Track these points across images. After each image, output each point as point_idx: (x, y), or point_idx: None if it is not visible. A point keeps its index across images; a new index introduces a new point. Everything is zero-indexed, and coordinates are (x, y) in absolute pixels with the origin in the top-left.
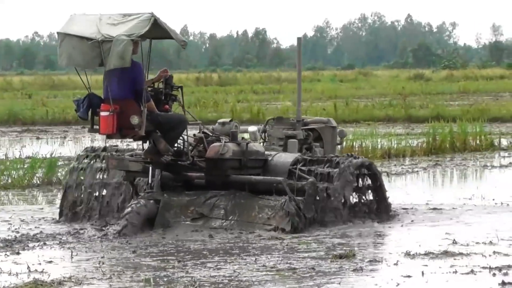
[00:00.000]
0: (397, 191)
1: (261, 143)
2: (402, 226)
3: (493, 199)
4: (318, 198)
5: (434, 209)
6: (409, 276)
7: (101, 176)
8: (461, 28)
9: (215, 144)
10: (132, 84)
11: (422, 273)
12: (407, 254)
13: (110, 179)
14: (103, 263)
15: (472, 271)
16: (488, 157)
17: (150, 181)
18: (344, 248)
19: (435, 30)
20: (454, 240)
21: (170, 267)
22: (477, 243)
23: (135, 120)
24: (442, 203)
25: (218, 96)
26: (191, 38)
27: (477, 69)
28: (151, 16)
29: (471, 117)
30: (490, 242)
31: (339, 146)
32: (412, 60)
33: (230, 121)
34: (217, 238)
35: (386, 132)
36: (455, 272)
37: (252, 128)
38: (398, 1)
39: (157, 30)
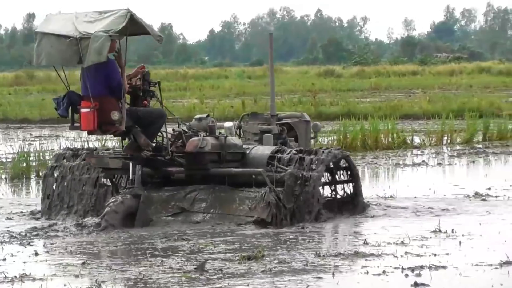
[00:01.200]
0: None
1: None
2: (308, 227)
3: (405, 198)
4: (296, 189)
5: None
6: (319, 278)
7: (79, 173)
8: (373, 23)
9: (194, 138)
10: (106, 80)
11: (333, 274)
12: (317, 255)
13: (88, 177)
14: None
15: (384, 272)
16: (400, 155)
17: (131, 177)
18: (253, 249)
19: (345, 25)
20: (365, 240)
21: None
22: (388, 243)
23: (115, 115)
24: None
25: None
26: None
27: (389, 65)
28: (127, 12)
29: (383, 114)
30: (402, 243)
31: (313, 140)
32: (322, 56)
33: (207, 116)
34: (121, 240)
35: None
36: (367, 273)
37: (228, 124)
38: None
39: (133, 26)
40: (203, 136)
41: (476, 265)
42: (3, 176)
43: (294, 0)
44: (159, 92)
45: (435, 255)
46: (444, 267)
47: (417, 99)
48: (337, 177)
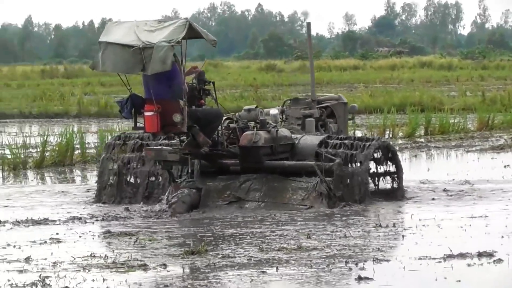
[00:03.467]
0: None
1: (281, 123)
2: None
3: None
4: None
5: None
6: (263, 272)
7: (133, 163)
8: (313, 18)
9: (247, 132)
10: (168, 84)
11: (277, 268)
12: (261, 249)
13: (142, 167)
14: None
15: (327, 266)
16: None
17: (190, 171)
18: (196, 244)
19: (286, 19)
20: (308, 234)
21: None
22: (332, 237)
23: (177, 117)
24: None
25: (65, 89)
26: (35, 29)
27: (330, 60)
28: (186, 21)
29: None
30: (345, 236)
31: (350, 121)
32: (263, 50)
33: (255, 107)
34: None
35: None
36: (311, 266)
37: (273, 111)
38: None
39: (190, 32)
40: (256, 130)
41: (420, 259)
42: None
43: None
44: (214, 91)
45: (378, 249)
46: (387, 260)
47: (358, 93)
48: (380, 166)
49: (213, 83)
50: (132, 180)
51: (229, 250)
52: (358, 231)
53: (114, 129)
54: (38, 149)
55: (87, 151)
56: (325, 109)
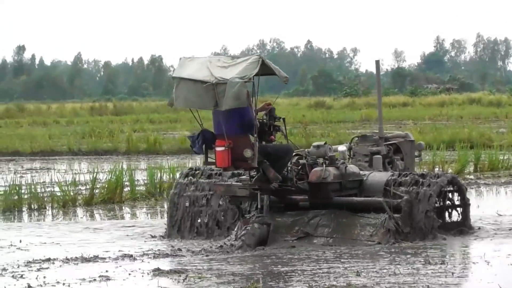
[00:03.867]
0: None
1: (348, 160)
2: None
3: None
4: (410, 213)
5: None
6: None
7: (203, 198)
8: (363, 54)
9: (316, 168)
10: (240, 119)
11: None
12: (310, 287)
13: (212, 201)
14: None
15: None
16: None
17: (259, 206)
18: (245, 282)
19: (336, 56)
20: (357, 272)
21: None
22: (381, 275)
23: (248, 153)
24: None
25: (114, 126)
26: (85, 66)
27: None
28: (259, 58)
29: None
30: (394, 273)
31: (417, 159)
32: (312, 87)
33: (324, 144)
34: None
35: None
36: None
37: (342, 148)
38: (297, 27)
39: (263, 68)
40: (325, 166)
41: None
42: None
43: (284, 32)
44: (284, 127)
45: (428, 287)
46: None
47: (407, 130)
48: (447, 200)
49: (284, 119)
50: (200, 216)
51: (279, 286)
52: (407, 268)
53: (163, 166)
54: (88, 186)
55: (137, 188)
56: (392, 146)
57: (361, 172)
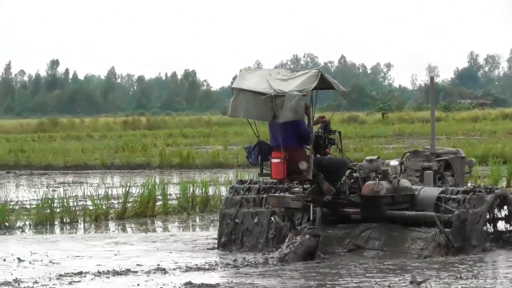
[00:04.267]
0: None
1: (400, 175)
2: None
3: None
4: (461, 228)
5: None
6: None
7: (252, 215)
8: (396, 69)
9: (369, 182)
10: (296, 131)
11: None
12: None
13: (263, 213)
14: None
15: None
16: None
17: (311, 218)
18: None
19: (369, 71)
20: (389, 286)
21: None
22: None
23: (303, 165)
24: None
25: (147, 140)
26: (118, 80)
27: (413, 111)
28: (318, 72)
29: None
30: None
31: (468, 175)
32: (346, 102)
33: (377, 158)
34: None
35: None
36: None
37: (394, 163)
38: (331, 41)
39: (321, 82)
40: (378, 180)
41: None
42: (27, 223)
43: (318, 47)
44: (339, 141)
45: None
46: None
47: (440, 145)
48: (497, 213)
49: (339, 132)
50: (249, 230)
51: None
52: (439, 283)
53: (196, 181)
54: (120, 200)
55: (169, 202)
56: (442, 162)
57: (413, 186)
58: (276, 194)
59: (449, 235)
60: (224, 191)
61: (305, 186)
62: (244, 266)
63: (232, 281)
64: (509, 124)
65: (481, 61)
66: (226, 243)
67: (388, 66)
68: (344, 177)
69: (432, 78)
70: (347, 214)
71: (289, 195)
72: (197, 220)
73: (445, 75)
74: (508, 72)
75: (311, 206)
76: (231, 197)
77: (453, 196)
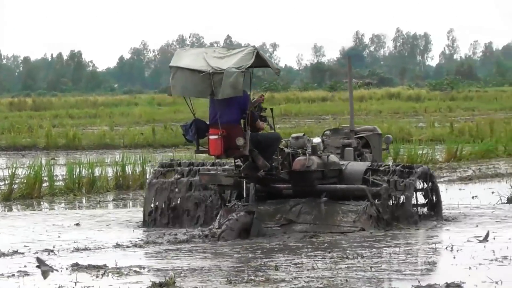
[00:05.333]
0: None
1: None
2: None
3: None
4: (390, 202)
5: None
6: None
7: (184, 189)
8: (282, 49)
9: (300, 158)
10: (239, 110)
11: None
12: (229, 281)
13: (189, 191)
14: None
15: None
16: None
17: (245, 195)
18: (166, 276)
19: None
20: (276, 266)
21: None
22: (300, 269)
23: (240, 141)
24: None
25: (33, 121)
26: (4, 61)
27: (299, 91)
28: (254, 49)
29: None
30: (312, 268)
31: (385, 151)
32: None
33: (303, 135)
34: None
35: (206, 156)
36: None
37: (317, 140)
38: (217, 21)
39: (257, 60)
40: (309, 155)
41: None
42: None
43: (204, 27)
44: (271, 117)
45: (346, 280)
46: None
47: (327, 124)
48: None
49: (272, 109)
50: (178, 205)
51: (196, 282)
52: (326, 263)
53: (82, 162)
54: (6, 182)
55: (56, 183)
56: (360, 140)
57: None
58: (207, 172)
59: (379, 207)
60: (110, 172)
61: (237, 163)
62: (140, 246)
63: (119, 260)
64: (394, 104)
65: (367, 41)
66: (151, 219)
67: (274, 46)
68: (277, 155)
69: (349, 58)
70: (279, 190)
71: (221, 172)
72: (84, 201)
73: (331, 54)
74: (393, 52)
75: (244, 182)
76: (159, 170)
77: (380, 170)
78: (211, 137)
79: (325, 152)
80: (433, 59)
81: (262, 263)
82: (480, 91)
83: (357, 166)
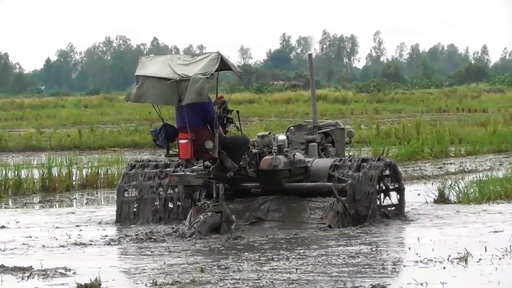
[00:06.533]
0: None
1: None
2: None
3: None
4: (357, 198)
5: None
6: None
7: (154, 188)
8: (209, 51)
9: (267, 157)
10: (204, 114)
11: None
12: (154, 283)
13: (162, 190)
14: None
15: None
16: None
17: (214, 194)
18: (92, 277)
19: (182, 53)
20: (202, 268)
21: None
22: (225, 272)
23: (209, 144)
24: None
25: None
26: None
27: (226, 93)
28: (218, 55)
29: None
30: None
31: (348, 145)
32: None
33: (269, 134)
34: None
35: (133, 159)
36: None
37: (282, 137)
38: (143, 24)
39: (221, 64)
40: (275, 154)
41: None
42: None
43: (131, 29)
44: (238, 120)
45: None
46: None
47: (253, 127)
48: (384, 184)
49: (238, 112)
50: (148, 204)
51: (122, 284)
52: (251, 265)
53: (9, 164)
54: None
55: None
56: (324, 134)
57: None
58: (177, 173)
59: (345, 203)
60: (36, 174)
61: (206, 164)
62: (67, 247)
63: (43, 265)
64: (321, 106)
65: (294, 43)
66: (124, 217)
67: (201, 47)
68: (245, 156)
69: (310, 56)
70: (247, 189)
71: (190, 173)
72: (10, 203)
73: (258, 56)
74: (320, 54)
75: (214, 182)
76: (129, 173)
77: (345, 166)
78: (181, 141)
79: (290, 148)
80: (360, 61)
81: (188, 265)
82: (407, 93)
83: (322, 163)
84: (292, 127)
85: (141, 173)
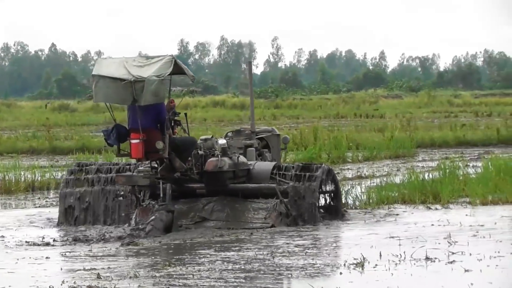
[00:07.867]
0: None
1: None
2: None
3: None
4: (297, 199)
5: None
6: None
7: (91, 187)
8: (107, 56)
9: (212, 159)
10: (157, 115)
11: None
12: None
13: (102, 191)
14: None
15: None
16: None
17: (162, 195)
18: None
19: (80, 59)
20: (98, 274)
21: None
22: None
23: (160, 145)
24: None
25: None
26: None
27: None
28: (172, 58)
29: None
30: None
31: (283, 151)
32: (57, 90)
33: (212, 137)
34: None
35: (30, 165)
36: None
37: (222, 141)
38: (41, 30)
39: (175, 68)
40: (220, 157)
41: None
42: None
43: (28, 35)
44: (186, 121)
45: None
46: None
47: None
48: (323, 187)
49: (186, 114)
50: (91, 206)
51: None
52: (148, 271)
53: None
54: None
55: None
56: (260, 140)
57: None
58: (124, 173)
59: (288, 205)
60: None
61: (153, 165)
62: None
63: None
64: (219, 112)
65: (191, 49)
66: (68, 218)
67: (99, 53)
68: (192, 157)
69: (250, 63)
70: (193, 190)
71: (136, 174)
72: None
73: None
74: (218, 60)
75: (161, 183)
76: (69, 178)
77: (286, 169)
78: (133, 141)
79: (229, 152)
80: (257, 67)
81: (84, 270)
82: (305, 99)
83: (264, 166)
84: (230, 133)
85: (83, 178)
